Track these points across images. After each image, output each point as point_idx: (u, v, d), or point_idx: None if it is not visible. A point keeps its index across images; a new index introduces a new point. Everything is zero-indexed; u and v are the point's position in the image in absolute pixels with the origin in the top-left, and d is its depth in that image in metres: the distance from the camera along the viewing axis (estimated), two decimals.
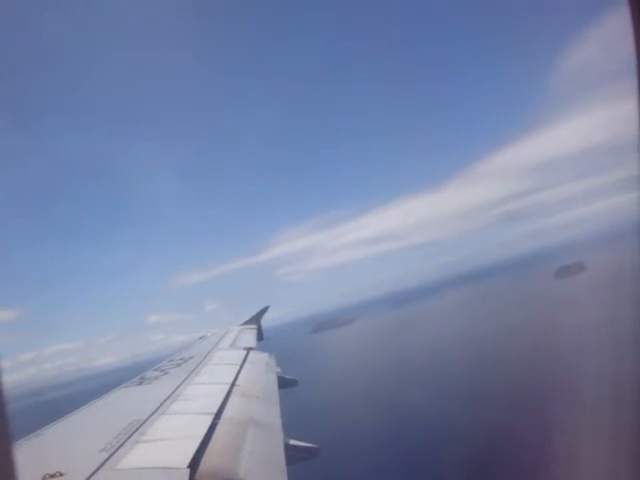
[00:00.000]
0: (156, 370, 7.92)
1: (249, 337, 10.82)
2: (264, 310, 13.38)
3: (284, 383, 7.63)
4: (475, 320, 67.96)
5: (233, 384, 6.16)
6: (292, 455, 4.85)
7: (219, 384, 6.16)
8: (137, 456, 3.77)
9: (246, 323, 12.66)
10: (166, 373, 7.48)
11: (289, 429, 5.18)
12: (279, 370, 8.04)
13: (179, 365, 8.10)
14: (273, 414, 5.43)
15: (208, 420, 4.57)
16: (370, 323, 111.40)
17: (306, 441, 5.87)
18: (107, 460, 3.68)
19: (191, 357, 8.73)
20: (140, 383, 6.97)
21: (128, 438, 4.15)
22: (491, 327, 57.55)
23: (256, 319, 12.71)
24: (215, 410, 4.93)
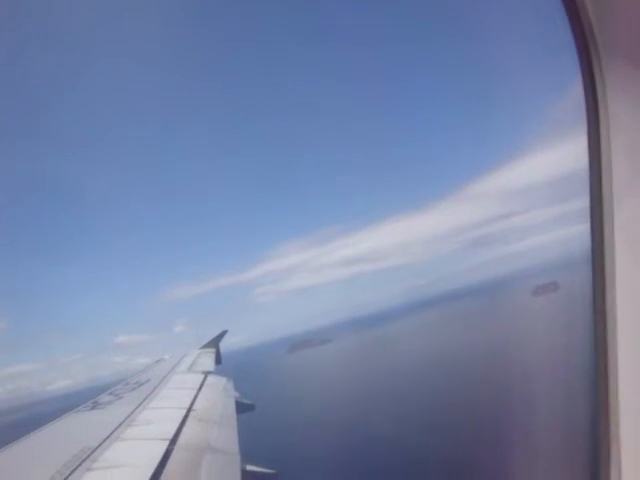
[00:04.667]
0: (110, 394, 7.93)
1: (207, 361, 10.94)
2: (222, 334, 13.84)
3: (241, 408, 7.82)
4: (459, 338, 68.67)
5: (190, 409, 6.28)
6: None
7: (175, 409, 6.27)
8: None
9: (205, 347, 12.84)
10: (120, 397, 7.51)
11: (246, 454, 5.35)
12: (237, 395, 8.22)
13: (134, 389, 8.13)
14: (230, 440, 5.52)
15: (163, 446, 4.64)
16: (346, 343, 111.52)
17: (264, 466, 6.05)
18: None
19: (147, 381, 8.79)
20: (93, 408, 6.97)
21: (79, 466, 4.14)
22: (479, 343, 58.27)
23: (214, 342, 13.00)
24: (171, 436, 5.00)
